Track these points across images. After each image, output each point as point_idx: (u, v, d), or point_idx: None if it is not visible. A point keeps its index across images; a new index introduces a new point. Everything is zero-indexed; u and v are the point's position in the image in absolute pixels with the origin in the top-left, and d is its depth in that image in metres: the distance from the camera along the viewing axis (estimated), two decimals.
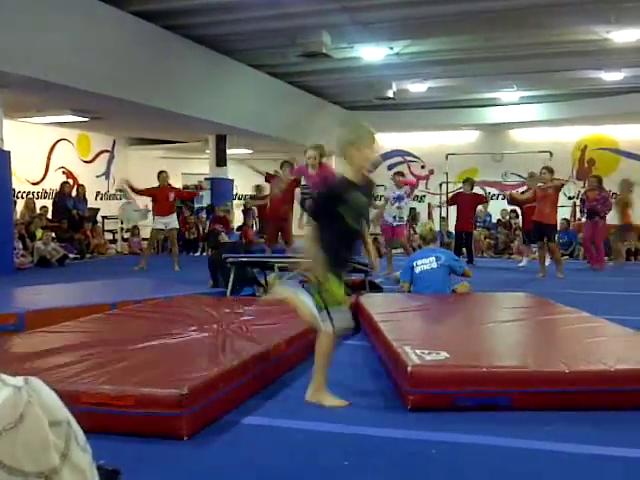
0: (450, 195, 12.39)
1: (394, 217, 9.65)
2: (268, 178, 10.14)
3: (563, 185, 9.68)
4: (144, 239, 14.87)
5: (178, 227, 11.05)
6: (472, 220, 11.68)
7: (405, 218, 9.90)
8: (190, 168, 19.69)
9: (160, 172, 10.61)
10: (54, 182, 14.29)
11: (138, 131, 17.04)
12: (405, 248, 10.01)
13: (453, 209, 12.18)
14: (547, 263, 9.99)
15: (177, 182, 19.08)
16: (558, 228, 10.67)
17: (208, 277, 7.16)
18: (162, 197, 10.36)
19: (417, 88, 15.53)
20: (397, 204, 9.67)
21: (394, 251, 11.21)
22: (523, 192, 10.85)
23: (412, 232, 14.95)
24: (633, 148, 18.49)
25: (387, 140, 20.77)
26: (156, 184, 10.50)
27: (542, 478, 2.17)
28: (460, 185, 12.78)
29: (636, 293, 7.60)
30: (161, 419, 2.52)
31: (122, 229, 15.41)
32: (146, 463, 2.32)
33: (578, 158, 19.06)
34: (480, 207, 11.85)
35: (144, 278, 7.94)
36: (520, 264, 11.43)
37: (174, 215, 10.57)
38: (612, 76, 14.38)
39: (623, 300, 6.97)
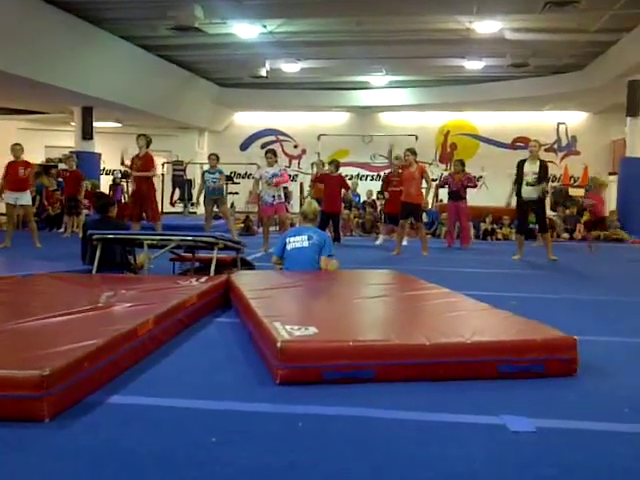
0: (316, 175, 12.55)
1: (273, 196, 9.63)
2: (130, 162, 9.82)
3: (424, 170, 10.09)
4: (1, 214, 14.07)
5: (31, 204, 10.53)
6: (339, 202, 11.89)
7: (282, 196, 9.91)
8: (54, 141, 18.77)
9: (13, 145, 10.09)
10: None
11: None
12: (284, 225, 9.93)
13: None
14: (405, 243, 10.48)
15: (40, 155, 18.17)
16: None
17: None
18: (12, 171, 9.86)
19: (290, 68, 15.60)
20: (273, 182, 9.64)
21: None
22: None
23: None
24: (491, 134, 19.59)
25: (260, 119, 20.78)
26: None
27: (403, 444, 2.28)
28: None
29: (492, 270, 8.11)
30: (21, 402, 2.42)
31: None
32: (5, 447, 2.22)
33: (441, 142, 19.95)
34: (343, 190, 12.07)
35: (1, 255, 7.52)
36: (376, 242, 11.93)
37: (27, 191, 10.07)
38: (473, 65, 15.12)
39: (480, 277, 7.42)
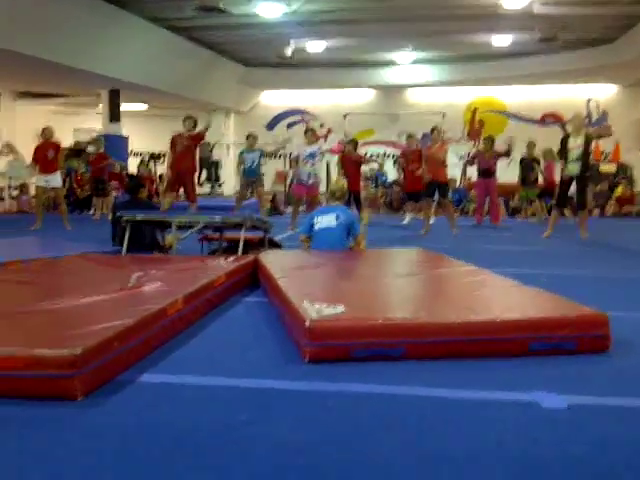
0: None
1: (308, 174, 9.56)
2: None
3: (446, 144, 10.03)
4: (33, 197, 14.30)
5: (61, 186, 10.63)
6: (358, 180, 11.80)
7: (319, 176, 9.81)
8: (83, 123, 18.92)
9: (44, 128, 10.18)
10: None
11: (25, 84, 16.10)
12: (314, 205, 9.89)
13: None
14: (432, 221, 10.46)
15: (69, 138, 18.34)
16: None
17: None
18: (41, 154, 9.98)
19: (315, 47, 15.48)
20: (311, 161, 9.58)
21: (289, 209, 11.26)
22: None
23: None
24: (519, 110, 19.27)
25: (286, 98, 20.69)
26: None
27: (434, 422, 2.27)
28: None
29: (521, 247, 8.02)
30: (53, 381, 2.45)
31: (10, 187, 14.66)
32: (39, 424, 2.25)
33: (469, 119, 19.68)
34: (367, 167, 11.98)
35: (33, 237, 7.63)
36: (404, 222, 11.83)
37: (57, 173, 10.17)
38: (502, 40, 14.85)
39: (509, 254, 7.35)
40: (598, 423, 2.27)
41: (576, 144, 8.71)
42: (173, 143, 9.33)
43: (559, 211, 9.37)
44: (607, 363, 2.97)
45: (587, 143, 8.76)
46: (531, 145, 12.65)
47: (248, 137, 11.04)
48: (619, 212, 14.23)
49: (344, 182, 6.54)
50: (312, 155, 9.52)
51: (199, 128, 9.38)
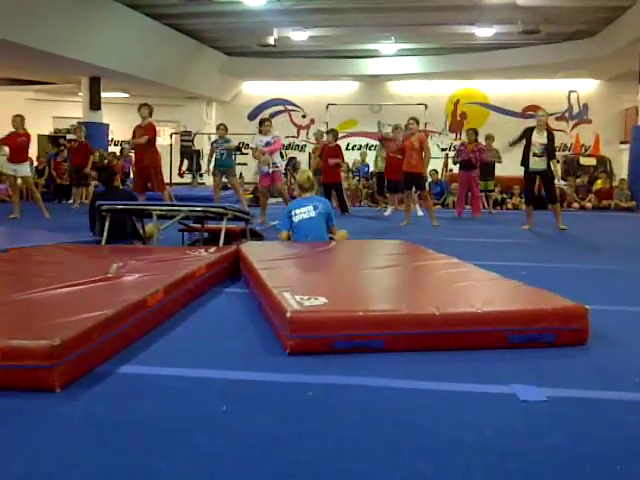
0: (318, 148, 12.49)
1: (267, 164, 9.54)
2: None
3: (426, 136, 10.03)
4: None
5: (29, 175, 10.51)
6: (338, 171, 11.74)
7: (279, 164, 9.74)
8: (62, 111, 18.71)
9: (14, 116, 10.01)
10: None
11: (3, 70, 15.87)
12: (283, 195, 9.93)
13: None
14: (421, 213, 10.50)
15: (48, 126, 18.14)
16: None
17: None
18: (12, 143, 9.84)
19: (298, 36, 15.42)
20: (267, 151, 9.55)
21: (274, 200, 11.24)
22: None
23: (292, 181, 15.02)
24: (501, 103, 19.36)
25: (268, 88, 20.60)
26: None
27: (413, 414, 2.28)
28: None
29: (502, 240, 8.07)
30: (31, 372, 2.42)
31: None
32: (16, 416, 2.23)
33: (451, 111, 19.74)
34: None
35: (10, 226, 7.54)
36: (385, 213, 11.84)
37: (26, 163, 10.06)
38: (484, 32, 14.87)
39: (490, 247, 7.39)
40: (576, 415, 2.29)
41: (539, 140, 8.77)
42: (134, 135, 9.23)
43: (530, 206, 9.43)
44: (586, 356, 3.00)
45: (551, 140, 8.84)
46: (490, 137, 12.68)
47: (218, 127, 11.01)
48: (598, 205, 14.37)
49: (308, 173, 6.52)
50: (267, 144, 9.51)
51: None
